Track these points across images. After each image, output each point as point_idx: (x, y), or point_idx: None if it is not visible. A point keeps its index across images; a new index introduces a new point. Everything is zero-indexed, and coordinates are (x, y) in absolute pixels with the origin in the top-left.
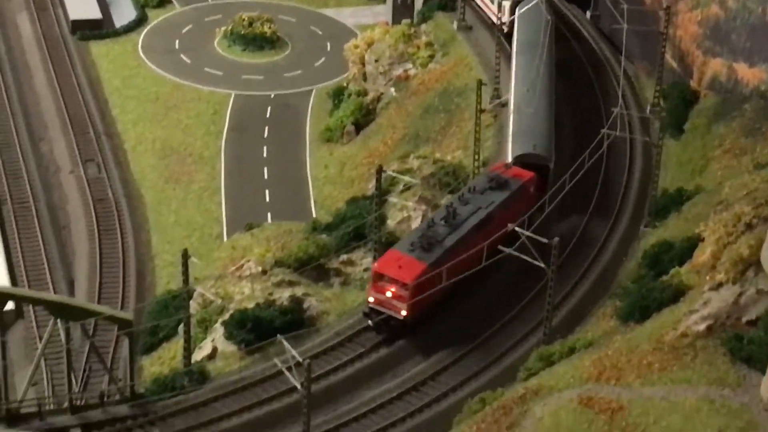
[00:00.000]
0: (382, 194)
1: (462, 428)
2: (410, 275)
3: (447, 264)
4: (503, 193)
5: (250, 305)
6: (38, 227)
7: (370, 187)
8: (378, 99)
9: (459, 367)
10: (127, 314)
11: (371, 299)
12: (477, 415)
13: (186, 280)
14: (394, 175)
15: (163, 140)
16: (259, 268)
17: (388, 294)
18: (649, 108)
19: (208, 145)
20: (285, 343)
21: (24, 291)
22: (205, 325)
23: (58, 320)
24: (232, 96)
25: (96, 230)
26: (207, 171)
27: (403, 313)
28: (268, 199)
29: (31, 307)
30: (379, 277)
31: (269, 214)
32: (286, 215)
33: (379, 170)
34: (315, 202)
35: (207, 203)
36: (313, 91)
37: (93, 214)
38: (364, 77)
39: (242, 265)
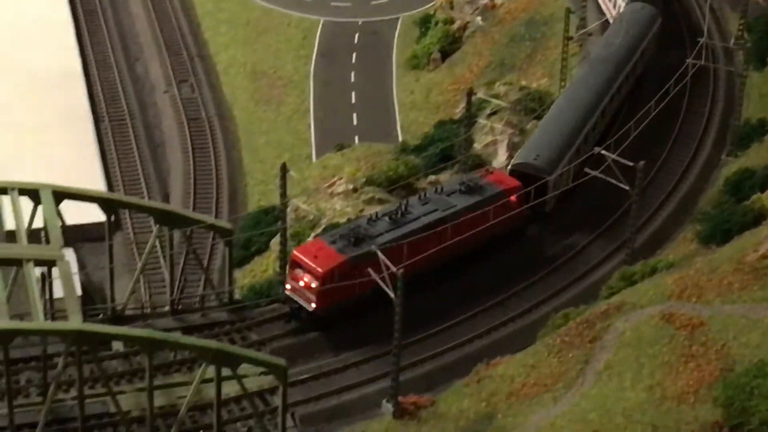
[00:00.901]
0: (469, 118)
1: (546, 341)
2: (324, 267)
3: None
4: (471, 198)
5: (342, 220)
6: (135, 144)
7: (457, 112)
8: (464, 27)
9: (542, 284)
10: (227, 223)
11: (288, 286)
12: (560, 329)
13: (284, 193)
14: (485, 98)
15: (253, 63)
16: (350, 186)
17: (301, 283)
18: (733, 40)
19: (298, 69)
20: (380, 254)
21: (132, 198)
22: (298, 239)
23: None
24: (321, 22)
25: (190, 148)
26: (296, 94)
27: (312, 305)
28: (355, 122)
29: (129, 218)
30: (295, 264)
31: (356, 137)
32: (372, 138)
33: (470, 93)
34: (401, 126)
35: (296, 125)
36: (400, 19)
37: (187, 132)
38: (451, 6)
39: (334, 183)
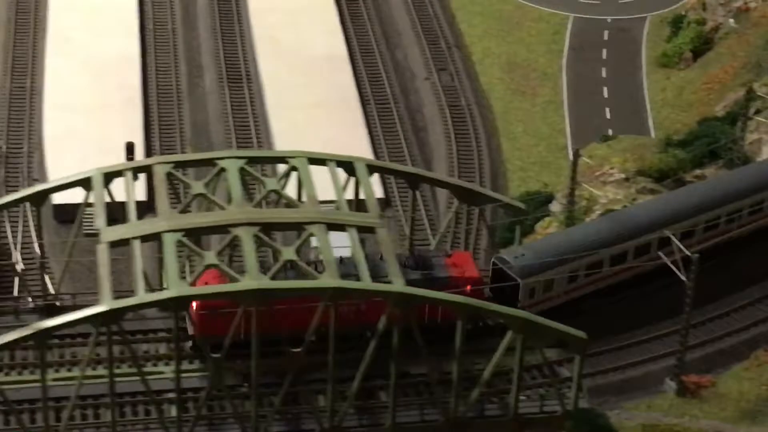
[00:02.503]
0: (739, 116)
1: None
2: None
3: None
4: (408, 275)
5: (616, 207)
6: (399, 127)
7: (717, 110)
8: (716, 29)
9: None
10: (521, 203)
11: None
12: None
13: (574, 176)
14: (763, 95)
15: (508, 55)
16: (622, 175)
17: (194, 304)
18: None
19: (550, 62)
20: (672, 237)
21: (435, 174)
22: (571, 223)
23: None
24: (571, 18)
25: (452, 133)
26: (550, 86)
27: (191, 328)
28: (608, 116)
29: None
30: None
31: (610, 131)
32: (625, 133)
33: (749, 90)
34: (653, 122)
35: (551, 116)
36: (647, 18)
37: (448, 118)
38: (703, 7)
39: (605, 171)
